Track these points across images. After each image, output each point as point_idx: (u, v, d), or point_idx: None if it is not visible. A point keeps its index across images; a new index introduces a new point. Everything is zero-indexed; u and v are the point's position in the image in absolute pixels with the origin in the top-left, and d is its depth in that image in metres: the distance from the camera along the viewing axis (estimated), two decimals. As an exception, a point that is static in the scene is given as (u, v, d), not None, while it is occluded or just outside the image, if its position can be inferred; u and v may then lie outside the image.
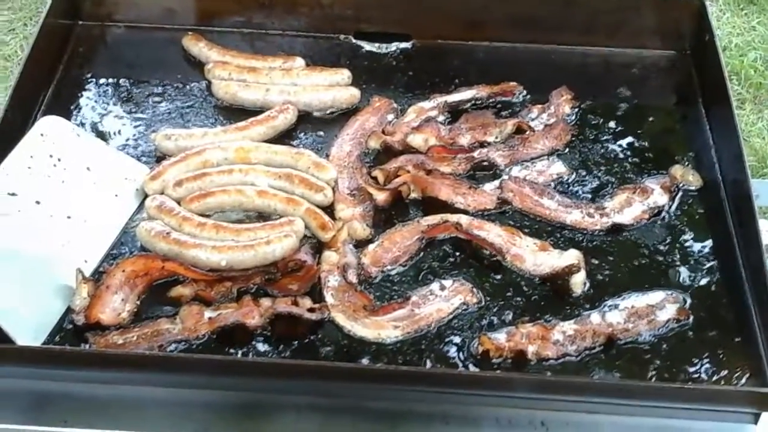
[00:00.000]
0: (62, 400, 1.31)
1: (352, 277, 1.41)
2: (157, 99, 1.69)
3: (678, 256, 1.48)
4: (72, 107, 1.59)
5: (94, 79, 1.71)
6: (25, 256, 1.37)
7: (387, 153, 1.60)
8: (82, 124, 1.58)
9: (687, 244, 1.50)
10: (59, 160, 1.49)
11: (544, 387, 1.29)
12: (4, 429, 1.29)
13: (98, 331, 1.35)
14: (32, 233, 1.40)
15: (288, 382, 1.28)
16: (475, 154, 1.60)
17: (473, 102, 1.69)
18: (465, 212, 1.52)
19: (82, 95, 1.67)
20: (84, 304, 1.34)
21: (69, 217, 1.44)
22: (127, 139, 1.61)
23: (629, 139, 1.66)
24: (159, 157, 1.56)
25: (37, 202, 1.43)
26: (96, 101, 1.67)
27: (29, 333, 1.29)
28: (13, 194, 1.42)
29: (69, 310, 1.37)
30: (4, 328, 1.27)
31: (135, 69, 1.73)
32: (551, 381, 1.30)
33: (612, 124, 1.68)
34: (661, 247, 1.49)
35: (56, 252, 1.40)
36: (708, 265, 1.47)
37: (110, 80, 1.71)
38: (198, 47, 1.73)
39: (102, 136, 1.60)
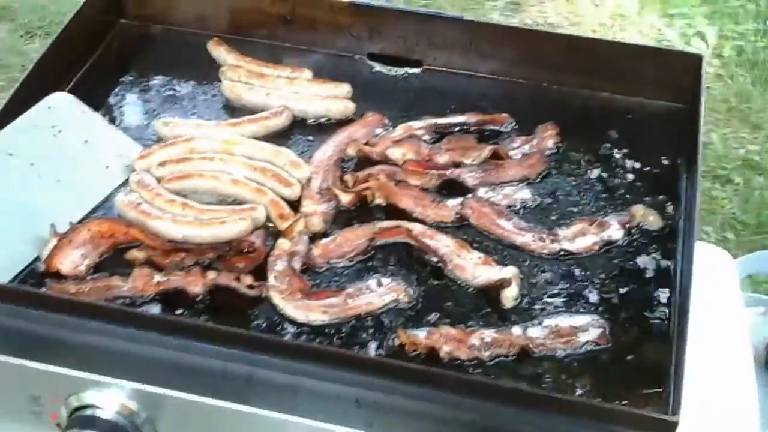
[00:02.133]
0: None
1: (296, 263, 1.50)
2: (171, 92, 1.83)
3: (613, 289, 1.52)
4: (89, 90, 1.72)
5: (120, 71, 1.86)
6: (9, 208, 1.51)
7: (366, 162, 1.69)
8: (94, 106, 1.70)
9: (626, 280, 1.53)
10: (60, 131, 1.64)
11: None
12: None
13: (57, 279, 1.48)
14: (21, 190, 1.55)
15: (202, 343, 1.37)
16: (448, 172, 1.67)
17: (461, 127, 1.77)
18: (423, 222, 1.60)
19: (103, 82, 1.81)
20: (46, 256, 1.48)
21: (58, 181, 1.59)
22: (133, 124, 1.75)
23: (604, 177, 1.70)
24: (157, 142, 1.70)
25: (31, 164, 1.58)
26: (114, 88, 1.82)
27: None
28: (10, 155, 1.58)
29: (37, 259, 1.50)
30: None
31: (161, 66, 1.88)
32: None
33: (590, 161, 1.73)
34: (601, 277, 1.53)
35: (40, 209, 1.54)
36: (641, 305, 1.50)
37: (135, 73, 1.86)
38: (218, 51, 1.87)
39: (112, 119, 1.74)
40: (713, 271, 1.78)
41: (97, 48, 1.88)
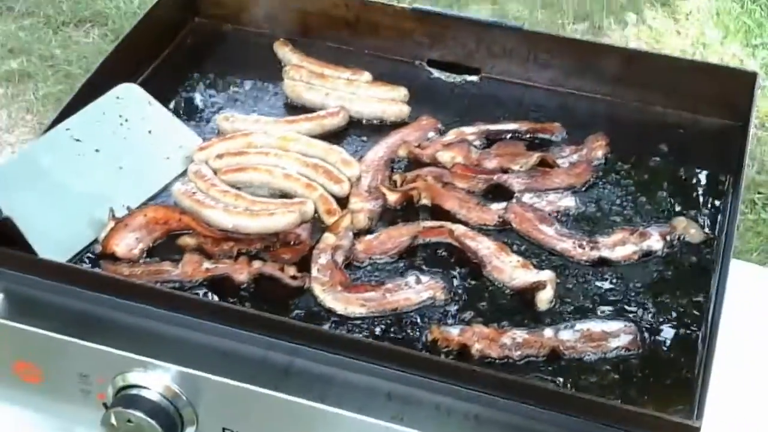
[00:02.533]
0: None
1: (339, 257, 1.56)
2: (235, 89, 1.90)
3: (649, 299, 1.54)
4: (158, 83, 1.80)
5: (190, 67, 1.94)
6: (72, 190, 1.59)
7: (415, 164, 1.74)
8: (161, 99, 1.78)
9: (664, 290, 1.56)
10: (126, 120, 1.72)
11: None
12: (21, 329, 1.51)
13: (112, 261, 1.56)
14: (84, 174, 1.63)
15: (246, 330, 1.43)
16: (495, 177, 1.72)
17: (512, 134, 1.81)
18: (466, 224, 1.64)
19: (173, 77, 1.89)
20: (103, 237, 1.56)
21: (120, 168, 1.67)
22: (197, 118, 1.83)
23: (649, 189, 1.73)
24: (217, 136, 1.77)
25: (96, 150, 1.67)
26: (182, 83, 1.90)
27: (53, 251, 1.50)
28: (78, 140, 1.66)
29: (95, 241, 1.58)
30: (30, 241, 1.49)
31: (229, 64, 1.96)
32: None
33: (638, 173, 1.76)
34: (638, 286, 1.56)
35: (101, 193, 1.62)
36: (675, 315, 1.52)
37: (203, 69, 1.94)
38: (284, 51, 1.94)
39: (177, 111, 1.82)
40: (753, 288, 1.79)
41: (169, 43, 1.96)
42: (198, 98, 1.88)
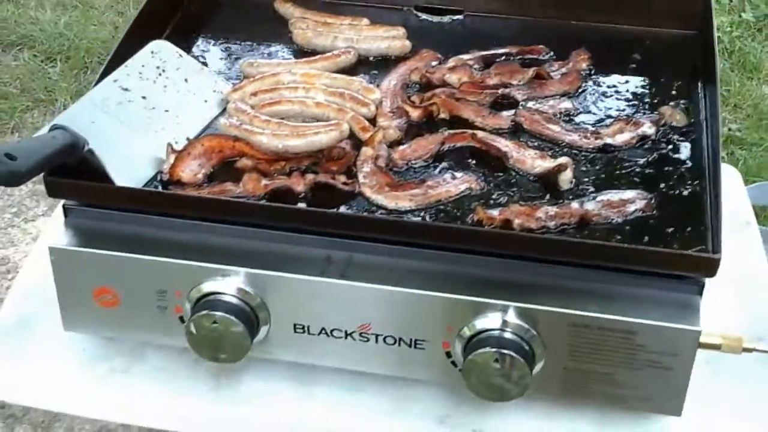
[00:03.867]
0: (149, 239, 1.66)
1: (381, 163, 1.75)
2: (249, 43, 2.08)
3: (653, 170, 1.78)
4: (176, 43, 1.97)
5: (199, 30, 2.11)
6: (130, 130, 1.76)
7: (427, 87, 1.95)
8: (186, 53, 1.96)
9: (664, 163, 1.80)
10: (163, 71, 1.89)
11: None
12: (102, 255, 1.66)
13: (179, 186, 1.73)
14: (137, 117, 1.79)
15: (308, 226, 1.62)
16: (499, 91, 1.94)
17: (505, 56, 2.04)
18: (483, 130, 1.86)
19: (187, 38, 2.06)
20: (168, 167, 1.72)
21: (167, 111, 1.83)
22: (221, 69, 2.01)
23: (633, 88, 1.97)
24: (243, 79, 1.95)
25: (143, 98, 1.83)
26: (196, 42, 2.07)
27: (126, 182, 1.67)
28: (126, 89, 1.82)
29: (159, 173, 1.75)
30: (112, 177, 1.65)
31: (237, 25, 2.13)
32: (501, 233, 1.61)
33: (620, 77, 2.00)
34: (641, 162, 1.79)
35: (154, 133, 1.79)
36: (678, 179, 1.76)
37: (213, 31, 2.11)
38: (285, 7, 2.13)
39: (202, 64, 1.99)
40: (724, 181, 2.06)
41: (176, 13, 2.13)
42: (215, 53, 2.05)
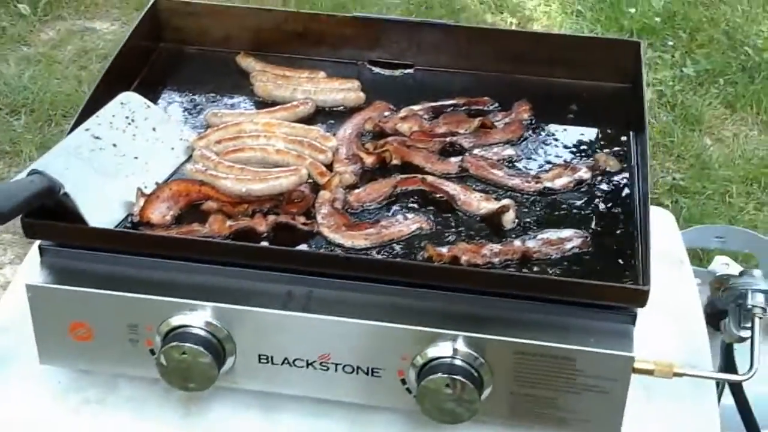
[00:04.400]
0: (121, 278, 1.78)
1: (338, 204, 1.89)
2: (212, 95, 2.22)
3: (589, 211, 1.93)
4: (146, 96, 2.10)
5: (164, 83, 2.24)
6: (101, 177, 1.87)
7: (380, 135, 2.09)
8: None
9: (599, 204, 1.95)
10: (133, 120, 2.01)
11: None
12: (76, 291, 1.77)
13: (149, 227, 1.85)
14: (108, 163, 1.91)
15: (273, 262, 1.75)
16: (447, 139, 2.08)
17: (453, 107, 2.19)
18: (432, 174, 2.00)
19: (153, 91, 2.19)
20: (138, 209, 1.85)
21: (136, 158, 1.95)
22: (186, 119, 2.14)
23: (572, 137, 2.13)
24: (207, 128, 2.08)
25: (114, 145, 1.95)
26: (162, 94, 2.20)
27: (99, 224, 1.78)
28: (97, 137, 1.94)
29: (129, 216, 1.87)
30: (86, 218, 1.77)
31: (199, 78, 2.26)
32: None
33: (559, 126, 2.15)
34: (578, 204, 1.94)
35: (124, 178, 1.91)
36: (612, 220, 1.91)
37: (177, 84, 2.24)
38: (247, 61, 2.27)
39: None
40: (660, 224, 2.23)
41: (144, 65, 2.26)
42: (181, 104, 2.18)
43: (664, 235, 2.27)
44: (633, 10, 5.35)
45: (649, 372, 1.75)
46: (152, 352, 1.79)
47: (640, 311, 1.72)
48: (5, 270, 3.86)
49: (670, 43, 5.23)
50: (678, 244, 2.28)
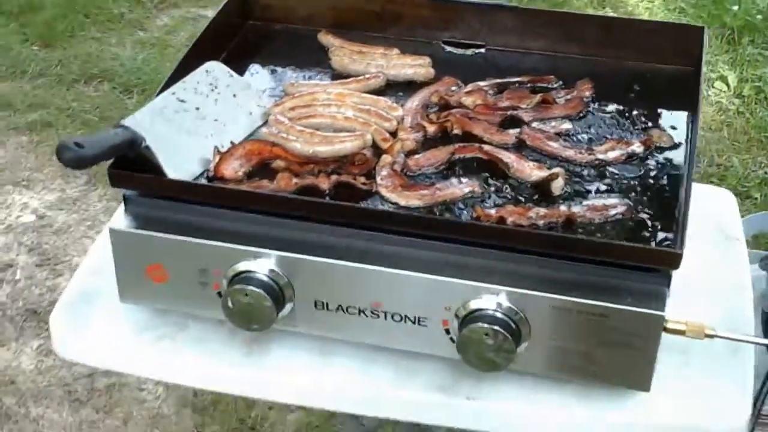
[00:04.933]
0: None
1: (398, 167, 2.03)
2: (293, 67, 2.38)
3: (637, 182, 2.02)
4: (233, 68, 2.27)
5: (251, 57, 2.41)
6: (183, 135, 2.05)
7: (445, 108, 2.22)
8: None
9: (647, 176, 2.04)
10: (215, 87, 2.18)
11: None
12: (154, 236, 1.95)
13: (221, 182, 2.02)
14: (190, 124, 2.08)
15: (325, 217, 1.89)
16: (508, 112, 2.20)
17: (518, 84, 2.31)
18: (490, 144, 2.12)
19: (240, 64, 2.36)
20: (214, 165, 2.02)
21: (216, 120, 2.12)
22: (266, 89, 2.31)
23: (628, 115, 2.22)
24: (284, 96, 2.24)
25: (197, 108, 2.12)
26: (247, 67, 2.37)
27: (178, 176, 1.96)
28: (182, 101, 2.12)
29: (205, 171, 2.04)
30: (165, 170, 1.95)
31: (283, 54, 2.42)
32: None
33: (618, 105, 2.25)
34: (627, 176, 2.04)
35: (204, 138, 2.08)
36: (656, 189, 2.00)
37: (263, 58, 2.41)
38: (327, 39, 2.42)
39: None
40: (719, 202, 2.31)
41: (231, 41, 2.43)
42: (264, 75, 2.34)
43: (721, 213, 2.34)
44: (736, 8, 5.33)
45: (681, 332, 1.84)
46: (219, 294, 1.94)
47: (686, 281, 1.84)
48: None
49: (772, 40, 5.21)
50: (735, 224, 2.35)
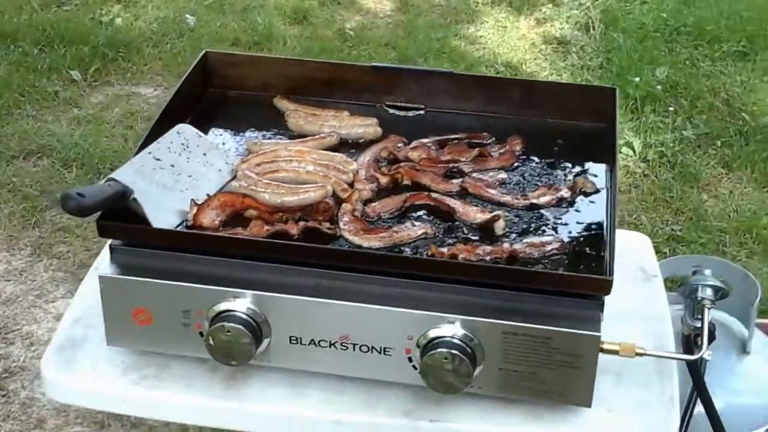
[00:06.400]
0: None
1: (357, 213, 2.27)
2: (252, 129, 2.62)
3: (567, 222, 2.30)
4: (198, 127, 2.50)
5: (214, 120, 2.65)
6: (161, 190, 2.26)
7: (393, 162, 2.48)
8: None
9: (575, 217, 2.33)
10: (187, 146, 2.41)
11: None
12: (140, 281, 2.15)
13: (200, 230, 2.24)
14: (167, 179, 2.30)
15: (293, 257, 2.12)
16: (450, 165, 2.48)
17: (456, 140, 2.58)
18: (437, 192, 2.39)
19: (205, 125, 2.60)
20: (192, 215, 2.24)
21: (189, 176, 2.35)
22: (231, 146, 2.54)
23: (555, 166, 2.51)
24: (248, 154, 2.48)
25: (172, 165, 2.34)
26: (213, 129, 2.61)
27: (160, 226, 2.17)
28: (158, 159, 2.34)
29: (184, 221, 2.26)
30: (150, 220, 2.16)
31: (241, 116, 2.67)
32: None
33: (545, 158, 2.54)
34: (558, 217, 2.32)
35: (180, 192, 2.30)
36: (584, 227, 2.28)
37: (225, 121, 2.66)
38: (282, 103, 2.67)
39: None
40: (636, 244, 2.60)
41: (194, 106, 2.67)
42: (227, 136, 2.58)
43: (640, 253, 2.63)
44: (638, 79, 5.73)
45: (615, 352, 2.10)
46: (201, 334, 2.14)
47: (614, 312, 2.09)
48: (57, 303, 4.25)
49: (671, 108, 5.61)
50: (652, 262, 2.64)
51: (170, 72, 5.99)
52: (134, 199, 2.13)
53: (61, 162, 5.12)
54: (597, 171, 2.49)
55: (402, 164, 2.44)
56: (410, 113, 2.70)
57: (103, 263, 2.22)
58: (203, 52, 2.73)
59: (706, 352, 2.12)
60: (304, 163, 2.41)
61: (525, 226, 2.27)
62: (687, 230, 4.82)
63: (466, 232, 2.25)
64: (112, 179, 2.13)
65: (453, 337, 2.05)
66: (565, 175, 2.47)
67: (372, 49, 6.28)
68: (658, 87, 5.83)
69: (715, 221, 4.88)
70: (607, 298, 2.06)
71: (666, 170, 5.28)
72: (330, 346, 2.12)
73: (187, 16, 6.56)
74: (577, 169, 2.50)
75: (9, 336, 4.13)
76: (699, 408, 2.55)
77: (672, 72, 6.00)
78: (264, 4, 6.77)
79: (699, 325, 2.24)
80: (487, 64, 6.14)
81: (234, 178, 2.39)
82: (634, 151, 5.42)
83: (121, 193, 2.11)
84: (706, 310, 2.21)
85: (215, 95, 2.76)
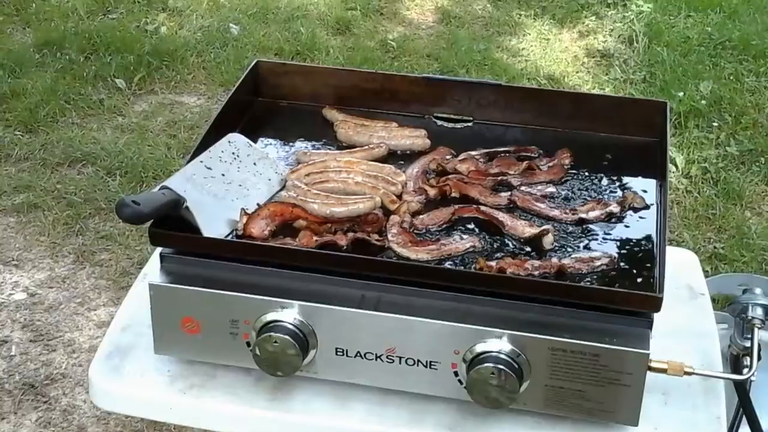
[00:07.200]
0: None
1: (406, 225, 2.28)
2: (301, 139, 2.63)
3: (616, 238, 2.29)
4: (249, 137, 2.51)
5: (264, 129, 2.67)
6: (212, 199, 2.28)
7: (442, 174, 2.49)
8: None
9: (624, 233, 2.31)
10: (237, 156, 2.43)
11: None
12: (189, 290, 2.16)
13: (250, 240, 2.24)
14: (217, 189, 2.32)
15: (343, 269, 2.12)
16: (498, 178, 2.47)
17: (505, 153, 2.58)
18: (485, 205, 2.39)
19: (255, 135, 2.61)
20: (242, 225, 2.25)
21: (240, 185, 2.36)
22: (281, 156, 2.55)
23: (604, 180, 2.50)
24: (298, 164, 2.49)
25: (222, 174, 2.36)
26: (263, 139, 2.62)
27: (210, 235, 2.19)
28: (209, 168, 2.36)
29: (234, 231, 2.27)
30: (201, 230, 2.17)
31: (291, 126, 2.69)
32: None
33: (594, 172, 2.53)
34: (608, 232, 2.31)
35: (230, 201, 2.31)
36: (633, 244, 2.27)
37: (275, 131, 2.67)
38: (332, 113, 2.68)
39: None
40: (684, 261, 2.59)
41: (245, 116, 2.68)
42: (277, 145, 2.60)
43: (687, 270, 2.61)
44: (681, 94, 5.70)
45: (663, 370, 2.08)
46: (248, 344, 2.14)
47: (663, 330, 2.08)
48: (99, 311, 4.29)
49: (715, 124, 5.57)
50: (699, 279, 2.62)
51: (213, 81, 6.03)
52: (186, 208, 2.14)
53: (105, 170, 5.16)
54: (646, 186, 2.46)
55: (450, 176, 2.44)
56: (459, 125, 2.70)
57: (151, 271, 2.22)
58: (254, 61, 2.74)
59: (751, 373, 2.09)
60: (353, 174, 2.41)
61: (574, 241, 2.25)
62: (729, 248, 4.78)
63: (514, 245, 2.23)
64: (166, 187, 2.14)
65: (500, 352, 2.04)
66: (614, 189, 2.45)
67: (414, 60, 6.31)
68: (702, 102, 5.80)
69: (758, 239, 4.84)
70: (655, 316, 2.03)
71: (709, 187, 5.25)
72: (376, 359, 2.12)
73: (231, 25, 6.61)
74: (627, 183, 2.48)
75: (51, 343, 4.17)
76: (744, 428, 2.51)
77: (716, 87, 5.96)
78: (307, 14, 6.82)
79: (748, 344, 2.21)
80: (529, 77, 6.14)
81: (283, 188, 2.40)
82: (676, 167, 5.39)
83: (175, 202, 2.12)
84: (756, 330, 2.19)
85: (265, 105, 2.77)
